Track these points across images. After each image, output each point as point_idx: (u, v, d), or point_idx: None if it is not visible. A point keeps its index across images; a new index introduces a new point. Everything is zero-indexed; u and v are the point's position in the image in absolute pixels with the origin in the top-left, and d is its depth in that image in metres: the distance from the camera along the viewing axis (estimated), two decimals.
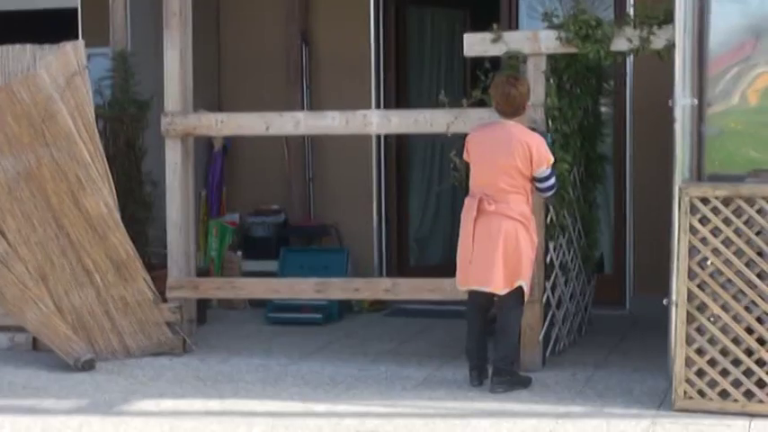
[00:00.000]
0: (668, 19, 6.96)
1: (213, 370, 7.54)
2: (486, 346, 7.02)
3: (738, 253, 6.35)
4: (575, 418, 6.33)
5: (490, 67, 7.48)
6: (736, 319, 6.35)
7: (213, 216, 9.95)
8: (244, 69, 10.09)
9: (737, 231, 6.36)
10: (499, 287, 6.83)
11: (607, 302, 9.08)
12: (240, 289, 8.31)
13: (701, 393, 6.37)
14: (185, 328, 8.04)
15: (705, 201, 6.41)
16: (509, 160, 6.81)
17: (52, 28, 8.95)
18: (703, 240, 6.42)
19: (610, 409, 6.50)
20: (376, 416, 6.43)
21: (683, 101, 6.73)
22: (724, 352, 6.35)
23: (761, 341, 6.32)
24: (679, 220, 6.48)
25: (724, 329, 6.36)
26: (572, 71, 7.65)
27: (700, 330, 6.41)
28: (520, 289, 6.87)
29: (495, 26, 7.48)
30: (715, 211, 6.39)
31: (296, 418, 6.42)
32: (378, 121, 7.93)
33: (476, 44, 7.47)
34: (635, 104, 9.18)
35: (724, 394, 6.36)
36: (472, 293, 6.99)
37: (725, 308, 6.36)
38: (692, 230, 6.42)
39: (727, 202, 6.38)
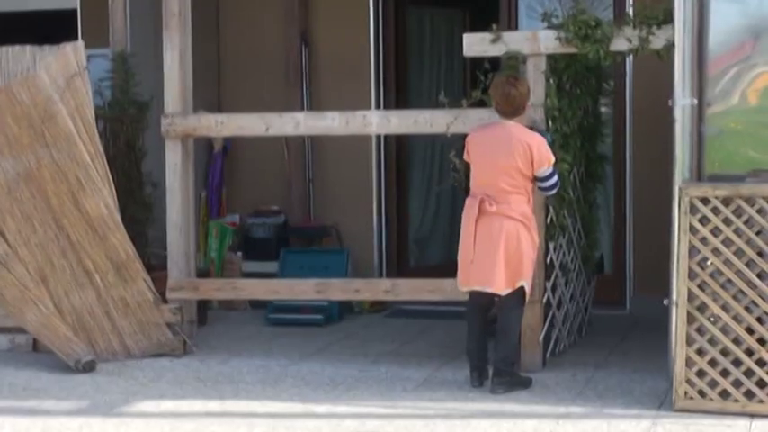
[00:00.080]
0: (668, 19, 6.96)
1: (213, 371, 7.54)
2: (487, 347, 7.02)
3: (738, 253, 6.35)
4: (575, 418, 6.33)
5: (490, 68, 7.48)
6: (736, 319, 6.35)
7: (213, 217, 9.94)
8: (243, 70, 10.08)
9: (737, 231, 6.35)
10: (501, 287, 6.82)
11: (607, 303, 9.07)
12: (240, 290, 8.31)
13: (702, 393, 6.37)
14: (186, 329, 8.03)
15: (705, 201, 6.41)
16: (509, 161, 6.81)
17: (52, 29, 8.95)
18: (703, 240, 6.41)
19: (610, 409, 6.50)
20: (376, 417, 6.43)
21: (682, 101, 6.73)
22: (724, 352, 6.35)
23: (761, 341, 6.32)
24: (679, 220, 6.47)
25: (724, 329, 6.35)
26: (572, 71, 7.64)
27: (700, 330, 6.41)
28: (521, 289, 6.87)
29: (494, 26, 7.47)
30: (715, 211, 6.39)
31: (296, 419, 6.42)
32: (377, 122, 7.93)
33: (475, 44, 7.46)
34: (635, 104, 9.17)
35: (724, 394, 6.35)
36: (473, 294, 6.98)
37: (725, 308, 6.36)
38: (692, 230, 6.41)
39: (727, 202, 6.38)
